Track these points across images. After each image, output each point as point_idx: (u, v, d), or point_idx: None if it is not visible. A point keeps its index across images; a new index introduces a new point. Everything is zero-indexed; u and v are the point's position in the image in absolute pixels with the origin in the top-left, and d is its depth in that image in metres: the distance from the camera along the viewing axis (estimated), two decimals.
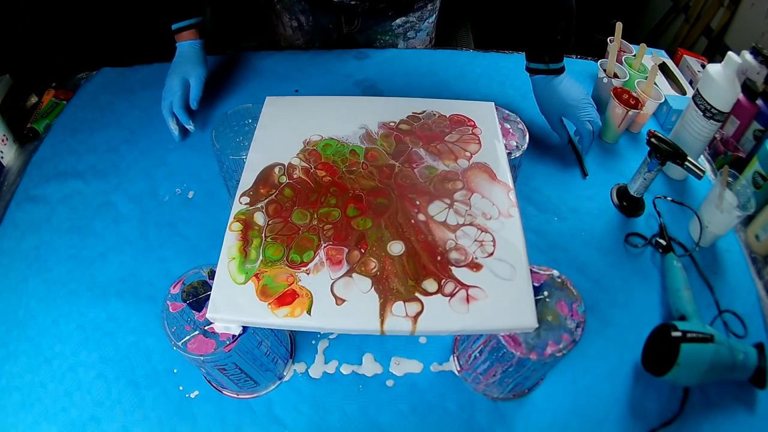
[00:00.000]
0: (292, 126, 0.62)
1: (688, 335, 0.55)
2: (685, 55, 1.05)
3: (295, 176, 0.57)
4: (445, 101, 0.66)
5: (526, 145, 0.65)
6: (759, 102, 0.85)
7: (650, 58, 0.89)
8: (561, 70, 0.78)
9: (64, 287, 0.67)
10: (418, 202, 0.54)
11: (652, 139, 0.69)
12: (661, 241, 0.72)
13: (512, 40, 0.86)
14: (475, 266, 0.49)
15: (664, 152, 0.69)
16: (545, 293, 0.51)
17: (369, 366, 0.61)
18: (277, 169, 0.57)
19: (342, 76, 0.97)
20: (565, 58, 0.78)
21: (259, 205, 0.54)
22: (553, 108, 0.80)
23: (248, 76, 0.97)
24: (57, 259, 0.70)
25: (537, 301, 0.49)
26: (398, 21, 1.01)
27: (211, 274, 0.52)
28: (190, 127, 0.77)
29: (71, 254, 0.71)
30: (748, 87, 0.84)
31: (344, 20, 0.99)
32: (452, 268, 0.49)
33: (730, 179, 0.70)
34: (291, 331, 0.62)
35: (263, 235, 0.51)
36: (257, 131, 0.62)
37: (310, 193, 0.55)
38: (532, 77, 0.81)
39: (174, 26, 0.84)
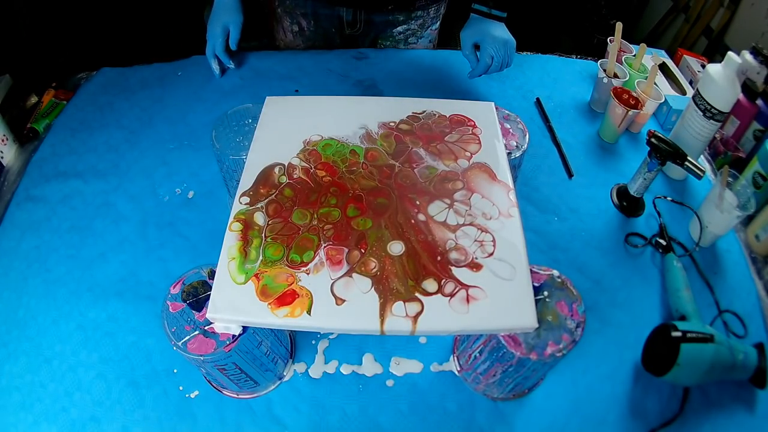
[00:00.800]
0: (292, 126, 0.62)
1: (688, 335, 0.55)
2: (685, 55, 1.05)
3: (295, 176, 0.57)
4: (445, 101, 0.66)
5: (526, 145, 0.64)
6: (759, 102, 0.85)
7: (650, 58, 0.89)
8: (501, 19, 0.83)
9: (64, 287, 0.67)
10: (418, 202, 0.54)
11: (652, 139, 0.69)
12: (661, 241, 0.72)
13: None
14: (475, 266, 0.49)
15: (664, 152, 0.69)
16: (545, 293, 0.51)
17: (369, 366, 0.61)
18: (277, 169, 0.57)
19: (342, 76, 0.97)
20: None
21: (259, 205, 0.54)
22: (472, 34, 0.84)
23: (248, 76, 0.97)
24: (57, 259, 0.70)
25: (537, 301, 0.49)
26: (399, 28, 1.01)
27: (211, 274, 0.52)
28: (230, 65, 0.87)
29: (71, 254, 0.71)
30: (748, 87, 0.84)
31: (346, 23, 0.99)
32: (452, 268, 0.49)
33: (730, 179, 0.70)
34: (291, 331, 0.62)
35: (263, 235, 0.51)
36: (257, 131, 0.62)
37: (310, 193, 0.55)
38: (471, 15, 0.85)
39: None
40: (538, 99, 0.94)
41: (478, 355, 0.55)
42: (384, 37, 1.03)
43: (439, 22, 1.05)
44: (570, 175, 0.82)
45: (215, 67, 0.89)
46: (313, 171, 0.57)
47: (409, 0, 0.95)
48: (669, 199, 0.78)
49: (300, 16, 0.99)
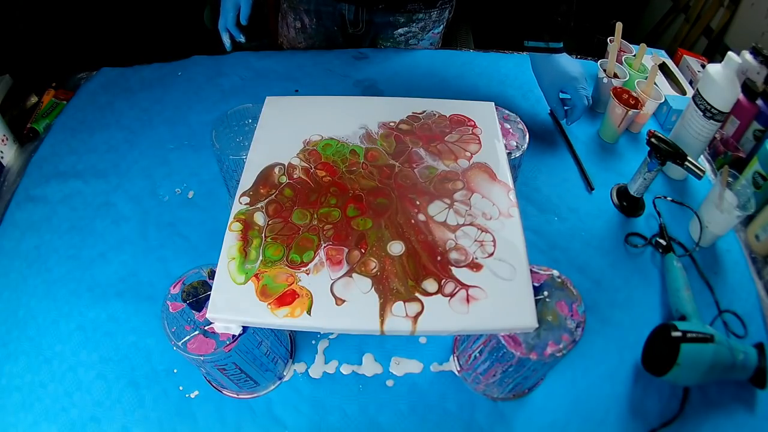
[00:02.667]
0: (292, 126, 0.62)
1: (688, 335, 0.55)
2: (685, 55, 1.05)
3: (295, 176, 0.57)
4: (445, 101, 0.66)
5: (526, 145, 0.64)
6: (759, 102, 0.85)
7: (650, 58, 0.89)
8: (560, 51, 0.82)
9: (64, 287, 0.67)
10: (418, 202, 0.54)
11: (652, 139, 0.69)
12: (661, 241, 0.72)
13: (512, 40, 0.87)
14: (475, 266, 0.49)
15: (664, 152, 0.69)
16: (545, 293, 0.51)
17: (369, 366, 0.61)
18: (277, 169, 0.57)
19: (342, 76, 0.97)
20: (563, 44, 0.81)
21: (259, 205, 0.54)
22: (553, 80, 0.83)
23: (248, 76, 0.97)
24: (57, 259, 0.70)
25: (537, 301, 0.49)
26: (400, 30, 1.01)
27: (211, 274, 0.52)
28: (240, 39, 0.88)
29: (71, 254, 0.71)
30: (748, 87, 0.84)
31: (348, 22, 0.99)
32: (452, 268, 0.49)
33: (730, 179, 0.70)
34: (291, 331, 0.62)
35: (263, 235, 0.51)
36: (257, 131, 0.62)
37: (310, 193, 0.55)
38: (530, 54, 0.84)
39: None
40: (551, 111, 0.92)
41: (478, 355, 0.55)
42: (384, 38, 1.03)
43: (442, 27, 1.04)
44: (591, 188, 0.80)
45: (227, 40, 0.90)
46: (313, 171, 0.57)
47: (399, 1, 0.95)
48: (669, 199, 0.78)
49: (303, 13, 1.00)
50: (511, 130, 0.66)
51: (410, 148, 0.60)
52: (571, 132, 0.89)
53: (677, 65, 1.03)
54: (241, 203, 0.54)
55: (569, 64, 0.82)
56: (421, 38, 1.04)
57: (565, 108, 0.85)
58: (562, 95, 0.84)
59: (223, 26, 0.88)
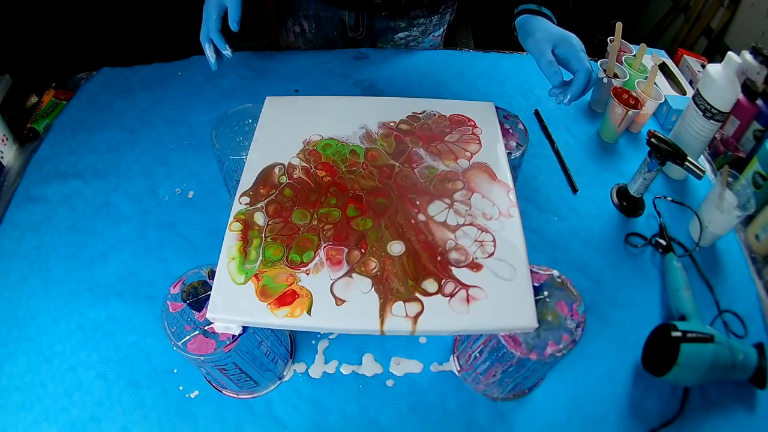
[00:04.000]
0: (292, 126, 0.62)
1: (688, 335, 0.55)
2: (685, 55, 1.05)
3: (295, 176, 0.57)
4: (445, 101, 0.66)
5: (526, 145, 0.64)
6: (759, 102, 0.85)
7: (650, 58, 0.89)
8: (553, 22, 0.71)
9: (64, 287, 0.67)
10: (418, 202, 0.54)
11: (652, 139, 0.69)
12: (661, 241, 0.72)
13: (512, 40, 0.86)
14: (475, 266, 0.49)
15: (664, 152, 0.68)
16: (545, 293, 0.51)
17: (369, 366, 0.61)
18: (277, 169, 0.57)
19: (342, 76, 0.97)
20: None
21: (259, 205, 0.54)
22: (545, 37, 0.67)
23: (248, 76, 0.97)
24: (57, 259, 0.70)
25: (537, 301, 0.49)
26: (401, 34, 1.01)
27: (211, 274, 0.52)
28: (226, 52, 0.73)
29: (71, 254, 0.71)
30: (748, 87, 0.84)
31: (348, 27, 0.98)
32: (452, 268, 0.49)
33: (730, 179, 0.70)
34: (291, 331, 0.62)
35: (263, 235, 0.51)
36: (257, 131, 0.62)
37: (310, 193, 0.55)
38: (518, 19, 0.72)
39: None
40: (537, 111, 0.92)
41: (478, 355, 0.55)
42: (384, 42, 1.03)
43: (443, 29, 1.04)
44: (574, 190, 0.80)
45: (210, 53, 0.75)
46: (313, 171, 0.57)
47: (402, 8, 0.94)
48: (669, 199, 0.78)
49: (302, 18, 0.99)
50: (511, 130, 0.66)
51: (410, 148, 0.60)
52: (559, 122, 0.89)
53: (677, 65, 1.03)
54: (241, 203, 0.54)
55: (565, 30, 0.69)
56: (422, 41, 1.03)
57: (561, 76, 0.67)
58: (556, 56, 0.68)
59: (205, 35, 0.74)
